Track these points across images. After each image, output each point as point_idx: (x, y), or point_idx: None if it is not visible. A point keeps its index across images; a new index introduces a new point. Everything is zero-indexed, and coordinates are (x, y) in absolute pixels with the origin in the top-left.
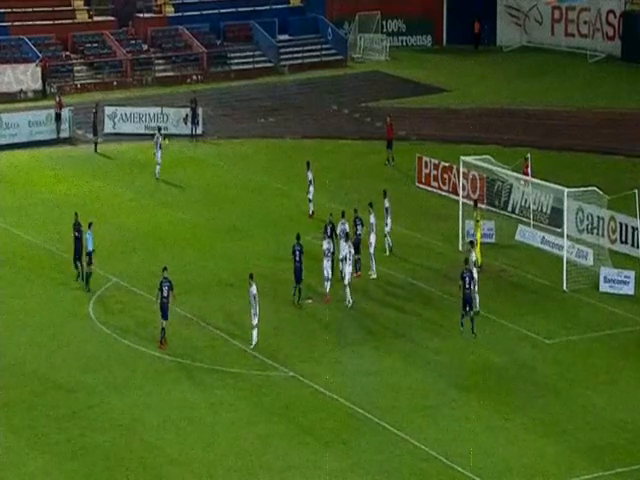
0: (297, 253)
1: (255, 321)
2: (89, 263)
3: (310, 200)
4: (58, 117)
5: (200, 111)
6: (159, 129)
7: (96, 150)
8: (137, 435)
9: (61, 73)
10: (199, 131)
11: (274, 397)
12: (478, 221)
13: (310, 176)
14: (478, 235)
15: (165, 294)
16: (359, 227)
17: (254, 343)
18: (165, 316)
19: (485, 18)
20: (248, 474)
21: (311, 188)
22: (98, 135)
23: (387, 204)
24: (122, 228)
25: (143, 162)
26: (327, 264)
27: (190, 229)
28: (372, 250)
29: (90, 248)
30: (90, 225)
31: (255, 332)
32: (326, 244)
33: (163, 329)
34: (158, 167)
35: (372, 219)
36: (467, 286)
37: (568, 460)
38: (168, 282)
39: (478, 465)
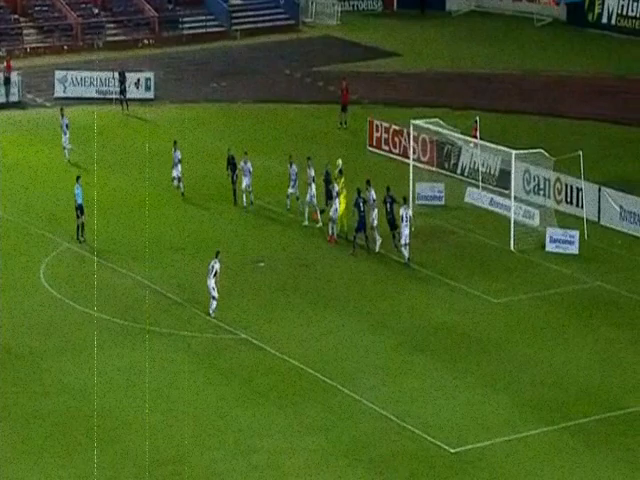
0: (360, 204)
1: (214, 293)
2: (79, 215)
3: (247, 191)
4: (7, 81)
5: (149, 80)
6: (61, 109)
7: None
8: (90, 399)
9: (10, 36)
10: (147, 98)
11: (227, 360)
12: (340, 190)
13: (242, 165)
14: (343, 205)
15: None
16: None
17: (213, 312)
18: None
19: None
20: (201, 436)
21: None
22: None
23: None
24: (71, 193)
25: (93, 126)
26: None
27: (140, 194)
28: (375, 224)
29: (80, 201)
30: (78, 178)
31: (214, 304)
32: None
33: None
34: (66, 151)
35: (373, 195)
36: (361, 212)
37: (515, 416)
38: None
39: (428, 423)
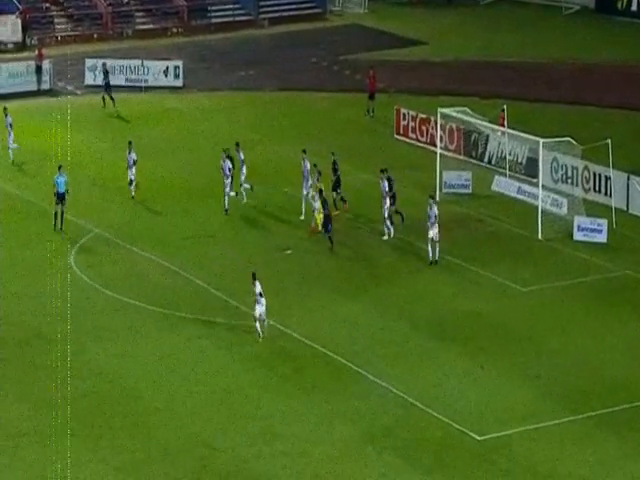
0: (325, 204)
1: (264, 317)
2: (58, 202)
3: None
4: (39, 69)
5: (178, 68)
6: (5, 108)
7: None
8: (119, 384)
9: (41, 25)
10: (176, 85)
11: (255, 346)
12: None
13: (242, 156)
14: (319, 203)
15: None
16: (392, 183)
17: (261, 335)
18: None
19: None
20: (230, 422)
21: (244, 169)
22: None
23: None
24: (102, 179)
25: (123, 114)
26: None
27: (169, 182)
28: (387, 215)
29: (62, 190)
30: (60, 168)
31: (264, 326)
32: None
33: None
34: (10, 151)
35: (386, 187)
36: (326, 210)
37: (540, 405)
38: None
39: (454, 410)
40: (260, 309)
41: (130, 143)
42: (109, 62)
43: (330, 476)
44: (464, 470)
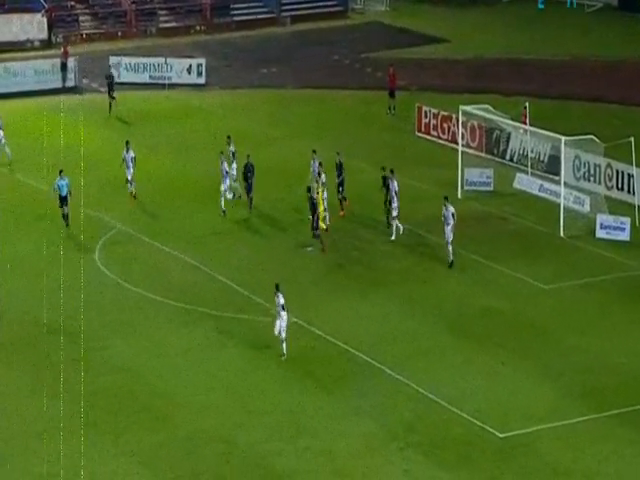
0: (314, 205)
1: (284, 334)
2: (62, 206)
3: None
4: (64, 66)
5: (201, 66)
6: None
7: None
8: (141, 379)
9: (67, 23)
10: (198, 83)
11: (277, 343)
12: (318, 193)
13: (233, 149)
14: (321, 208)
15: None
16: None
17: (285, 354)
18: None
19: None
20: (251, 418)
21: (234, 165)
22: None
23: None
24: (120, 177)
25: (146, 111)
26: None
27: (187, 178)
28: (395, 214)
29: (64, 194)
30: (60, 172)
31: (284, 345)
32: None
33: None
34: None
35: (395, 187)
36: (313, 215)
37: (562, 403)
38: None
39: (476, 407)
40: (280, 324)
41: (127, 142)
42: (133, 60)
43: (352, 472)
44: (486, 467)
